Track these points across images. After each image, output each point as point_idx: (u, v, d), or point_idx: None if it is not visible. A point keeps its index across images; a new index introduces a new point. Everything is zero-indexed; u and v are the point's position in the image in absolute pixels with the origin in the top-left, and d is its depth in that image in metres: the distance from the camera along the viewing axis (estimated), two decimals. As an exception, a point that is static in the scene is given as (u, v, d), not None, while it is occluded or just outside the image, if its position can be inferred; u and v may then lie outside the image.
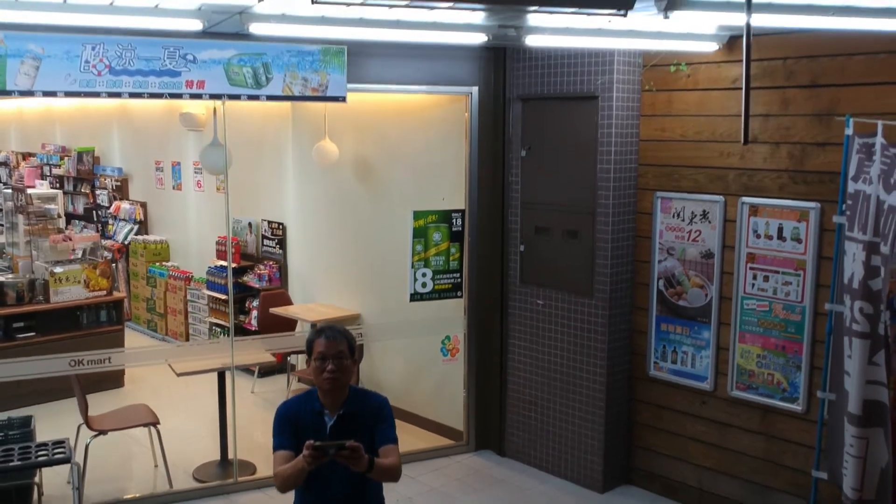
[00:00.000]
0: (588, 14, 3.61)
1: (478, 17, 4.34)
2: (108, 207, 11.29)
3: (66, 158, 12.16)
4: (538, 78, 5.94)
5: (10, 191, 9.08)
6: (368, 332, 6.88)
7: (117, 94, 5.15)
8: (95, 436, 5.72)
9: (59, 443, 5.15)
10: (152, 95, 5.24)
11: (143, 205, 10.75)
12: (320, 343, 3.54)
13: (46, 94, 5.00)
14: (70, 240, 8.19)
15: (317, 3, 3.22)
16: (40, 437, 5.58)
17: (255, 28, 4.26)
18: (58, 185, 12.30)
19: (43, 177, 12.42)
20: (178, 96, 5.33)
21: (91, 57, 5.00)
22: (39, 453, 5.02)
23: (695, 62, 5.39)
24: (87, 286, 7.81)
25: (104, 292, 7.93)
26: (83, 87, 5.05)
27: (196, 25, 4.01)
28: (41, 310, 7.60)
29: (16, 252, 8.36)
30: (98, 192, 11.62)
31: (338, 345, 3.53)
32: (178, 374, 5.90)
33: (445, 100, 6.45)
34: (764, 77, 5.04)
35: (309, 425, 3.52)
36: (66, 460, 5.02)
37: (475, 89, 6.18)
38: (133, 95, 5.19)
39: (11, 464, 4.89)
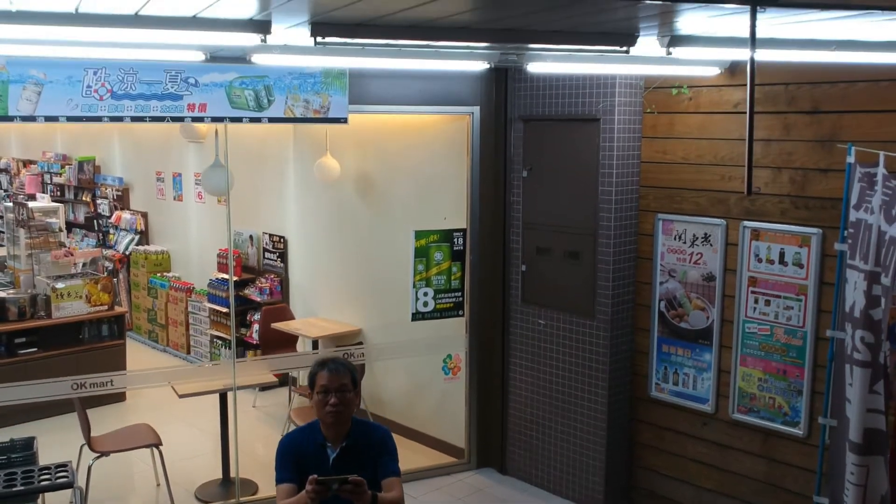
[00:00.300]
0: (591, 51, 3.61)
1: (480, 45, 4.34)
2: (109, 217, 11.29)
3: (66, 167, 12.17)
4: (540, 99, 5.94)
5: (11, 204, 9.08)
6: (370, 352, 6.88)
7: (119, 119, 5.19)
8: (98, 457, 5.73)
9: (62, 466, 5.16)
10: (154, 119, 5.28)
11: (144, 215, 10.76)
12: (323, 376, 3.56)
13: (48, 119, 5.03)
14: (72, 255, 8.19)
15: (319, 43, 3.22)
16: (43, 453, 5.58)
17: (258, 59, 4.27)
18: (58, 193, 12.31)
19: (44, 186, 12.43)
20: (180, 120, 5.37)
21: (93, 82, 5.02)
22: (42, 478, 5.02)
23: (696, 85, 5.39)
24: (88, 301, 7.82)
25: (105, 307, 7.94)
26: (85, 111, 5.07)
27: (199, 56, 4.02)
28: (43, 325, 7.61)
29: (17, 265, 8.37)
30: (99, 201, 11.63)
31: (341, 378, 3.55)
32: (181, 396, 5.91)
33: (447, 118, 6.45)
34: (766, 102, 5.04)
35: (311, 458, 3.54)
36: (69, 485, 5.02)
37: (476, 109, 6.18)
38: (135, 119, 5.23)
39: (15, 489, 4.90)
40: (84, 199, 11.97)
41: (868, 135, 4.63)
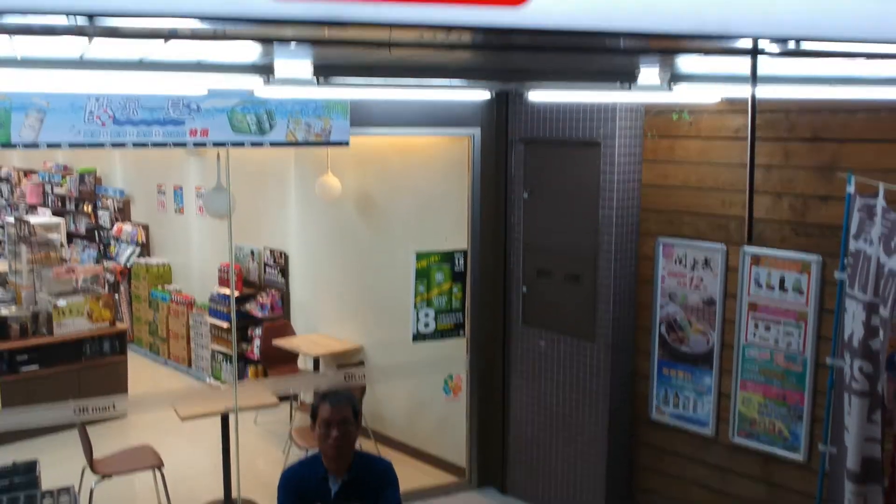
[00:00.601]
0: (592, 90, 3.63)
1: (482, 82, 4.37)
2: (110, 228, 11.31)
3: (67, 177, 12.19)
4: (541, 122, 5.96)
5: (12, 220, 9.10)
6: (371, 373, 6.90)
7: (121, 145, 5.19)
8: (100, 480, 5.75)
9: (65, 490, 5.17)
10: (156, 145, 5.27)
11: (146, 227, 10.78)
12: (325, 409, 3.57)
13: (51, 146, 5.04)
14: (73, 272, 8.21)
15: (322, 85, 3.24)
16: (44, 472, 5.59)
17: (260, 92, 4.28)
18: (59, 203, 12.33)
19: (45, 196, 12.44)
20: (182, 145, 5.37)
21: (95, 108, 5.03)
22: (45, 503, 5.04)
23: (697, 110, 5.41)
24: (90, 318, 7.84)
25: (107, 324, 7.95)
26: (87, 138, 5.08)
27: (202, 91, 4.04)
28: (44, 343, 7.62)
29: (18, 281, 8.39)
30: (100, 212, 11.65)
31: (343, 410, 3.56)
32: (183, 419, 5.93)
33: (448, 139, 6.47)
34: (766, 128, 5.05)
35: (314, 491, 3.56)
36: (72, 510, 5.04)
37: (477, 131, 6.20)
38: (137, 146, 5.22)
39: (17, 515, 4.92)
40: (85, 209, 11.99)
41: (868, 164, 4.64)
